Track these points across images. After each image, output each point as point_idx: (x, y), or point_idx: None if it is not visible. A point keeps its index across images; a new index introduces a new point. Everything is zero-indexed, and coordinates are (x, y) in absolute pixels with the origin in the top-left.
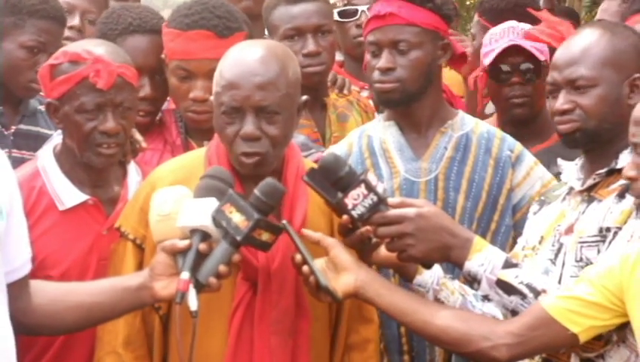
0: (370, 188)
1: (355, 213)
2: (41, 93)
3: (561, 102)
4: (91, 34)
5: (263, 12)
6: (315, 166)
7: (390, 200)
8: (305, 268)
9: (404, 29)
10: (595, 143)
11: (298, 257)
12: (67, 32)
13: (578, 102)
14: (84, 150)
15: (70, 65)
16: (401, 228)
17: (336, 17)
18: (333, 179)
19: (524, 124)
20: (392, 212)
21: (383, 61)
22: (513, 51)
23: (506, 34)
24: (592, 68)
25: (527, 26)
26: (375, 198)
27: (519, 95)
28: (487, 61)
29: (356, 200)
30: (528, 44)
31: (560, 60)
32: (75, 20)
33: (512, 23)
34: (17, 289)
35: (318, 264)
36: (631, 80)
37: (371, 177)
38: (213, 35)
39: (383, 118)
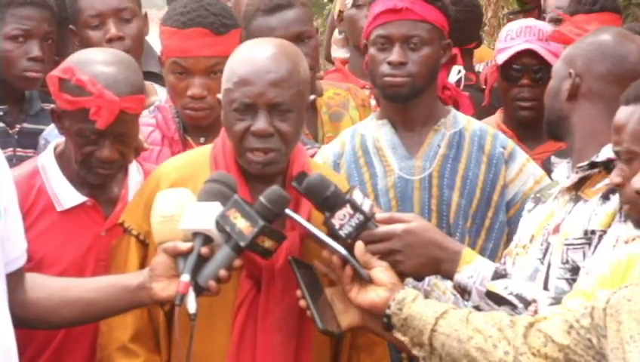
0: (356, 208)
1: (342, 233)
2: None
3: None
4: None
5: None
6: (309, 164)
7: (378, 216)
8: (302, 302)
9: (417, 24)
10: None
11: (298, 293)
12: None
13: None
14: (80, 168)
15: (76, 87)
16: (389, 245)
17: (348, 7)
18: (319, 200)
19: (528, 125)
20: (380, 229)
21: (396, 55)
22: (527, 52)
23: (522, 33)
24: (558, 62)
25: (543, 25)
26: (361, 217)
27: (527, 97)
28: (500, 59)
29: (342, 220)
30: (543, 49)
31: None
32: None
33: (530, 21)
34: (14, 281)
35: (328, 293)
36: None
37: (357, 195)
38: (209, 33)
39: (376, 117)
